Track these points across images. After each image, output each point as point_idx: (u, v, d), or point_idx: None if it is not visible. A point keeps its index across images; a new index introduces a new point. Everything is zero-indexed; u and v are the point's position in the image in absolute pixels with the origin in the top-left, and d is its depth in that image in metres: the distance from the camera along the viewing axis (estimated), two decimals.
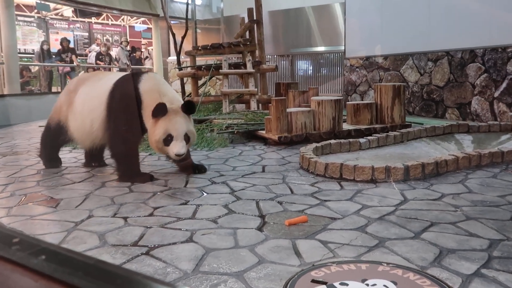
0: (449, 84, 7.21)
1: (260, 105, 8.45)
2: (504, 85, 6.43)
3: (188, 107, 3.59)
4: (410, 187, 3.38)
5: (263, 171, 4.07)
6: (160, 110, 3.46)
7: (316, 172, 3.84)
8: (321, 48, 10.22)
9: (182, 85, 9.47)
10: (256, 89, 7.88)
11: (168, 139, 3.49)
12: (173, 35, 9.35)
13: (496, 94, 6.54)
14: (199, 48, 8.69)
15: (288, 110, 5.39)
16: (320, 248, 2.24)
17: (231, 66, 8.24)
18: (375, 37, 8.52)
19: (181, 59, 9.37)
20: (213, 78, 10.95)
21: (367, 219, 2.66)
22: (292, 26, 10.88)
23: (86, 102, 3.87)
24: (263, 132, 5.54)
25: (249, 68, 7.90)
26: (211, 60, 10.48)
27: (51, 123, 4.20)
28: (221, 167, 4.20)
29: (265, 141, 5.50)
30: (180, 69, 9.10)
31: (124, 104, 3.66)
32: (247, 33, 8.92)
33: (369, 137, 4.85)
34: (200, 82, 9.15)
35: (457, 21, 7.06)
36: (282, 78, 10.66)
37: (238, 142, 5.60)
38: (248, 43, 8.50)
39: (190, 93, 8.78)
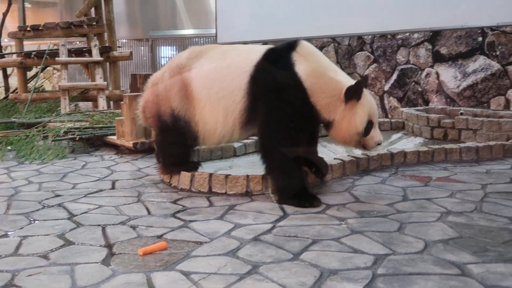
0: None
1: (111, 103, 8.33)
2: (394, 77, 7.08)
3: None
4: None
5: (113, 187, 4.02)
6: (360, 91, 3.44)
7: (180, 186, 3.87)
8: (188, 31, 10.32)
9: (6, 78, 9.00)
10: (106, 82, 7.74)
11: (368, 127, 3.50)
12: None
13: (386, 87, 7.16)
14: (28, 28, 8.37)
15: None
16: (181, 281, 2.26)
17: (71, 53, 8.01)
18: (251, 18, 8.82)
19: (2, 43, 8.96)
20: (48, 68, 10.54)
21: (239, 241, 2.75)
22: (152, 3, 10.83)
23: (213, 82, 3.66)
24: (115, 137, 5.45)
25: (96, 56, 7.74)
26: (44, 44, 10.07)
27: (164, 118, 3.83)
28: (57, 185, 4.08)
29: (117, 149, 5.42)
30: (2, 56, 8.74)
31: (282, 90, 3.48)
32: (93, 10, 8.73)
33: (245, 141, 5.00)
34: (30, 74, 8.82)
35: (342, 1, 7.59)
36: (140, 69, 10.56)
37: (81, 152, 5.48)
38: (94, 23, 8.35)
39: (16, 89, 8.34)
